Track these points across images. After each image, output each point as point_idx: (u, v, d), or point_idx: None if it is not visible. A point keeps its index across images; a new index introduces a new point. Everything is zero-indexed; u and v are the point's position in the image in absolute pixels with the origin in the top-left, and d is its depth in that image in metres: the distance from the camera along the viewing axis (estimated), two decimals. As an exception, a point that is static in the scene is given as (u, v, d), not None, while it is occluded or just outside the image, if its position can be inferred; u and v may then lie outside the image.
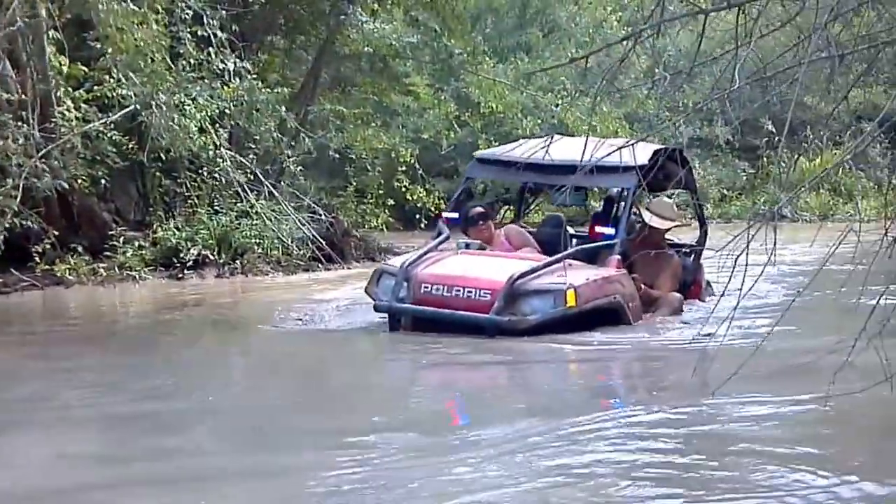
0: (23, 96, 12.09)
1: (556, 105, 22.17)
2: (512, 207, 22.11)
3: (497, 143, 17.67)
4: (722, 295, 6.16)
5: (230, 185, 14.34)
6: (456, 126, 22.16)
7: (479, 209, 10.53)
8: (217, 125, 14.03)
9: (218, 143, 13.73)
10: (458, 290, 9.06)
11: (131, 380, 7.52)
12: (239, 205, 14.55)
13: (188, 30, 13.04)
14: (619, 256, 9.54)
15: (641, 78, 19.62)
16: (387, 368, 8.70)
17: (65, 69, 12.54)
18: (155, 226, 14.49)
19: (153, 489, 4.84)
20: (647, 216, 10.17)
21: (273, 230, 14.41)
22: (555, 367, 8.49)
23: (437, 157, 22.34)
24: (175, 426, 6.09)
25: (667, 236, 10.66)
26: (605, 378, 8.19)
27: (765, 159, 27.61)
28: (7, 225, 11.64)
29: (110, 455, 5.53)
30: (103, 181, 13.56)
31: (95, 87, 12.91)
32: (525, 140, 11.80)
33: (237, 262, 14.30)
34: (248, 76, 14.06)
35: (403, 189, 19.16)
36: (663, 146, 10.00)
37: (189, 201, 14.83)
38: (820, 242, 6.10)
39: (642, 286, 9.71)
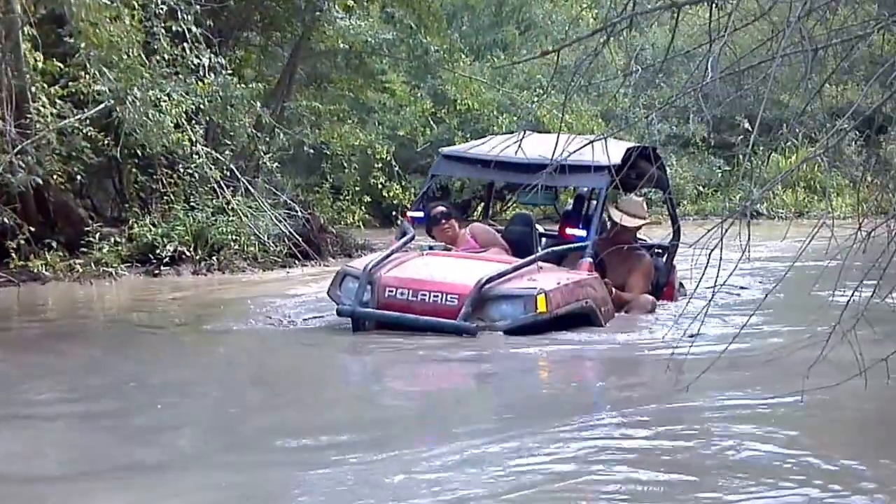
0: (-2, 93, 12.04)
1: (532, 102, 22.21)
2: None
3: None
4: (696, 289, 6.14)
5: (206, 181, 14.28)
6: (432, 123, 22.21)
7: (442, 208, 10.21)
8: (193, 121, 13.98)
9: (194, 140, 13.68)
10: (424, 295, 8.77)
11: (101, 377, 7.49)
12: (215, 201, 14.50)
13: (162, 25, 12.98)
14: (590, 259, 9.30)
15: (618, 75, 19.66)
16: (355, 368, 8.54)
17: (40, 65, 12.46)
18: (131, 222, 14.42)
19: (122, 486, 4.82)
20: (616, 215, 9.97)
21: (249, 226, 14.36)
22: (526, 367, 8.18)
23: (414, 154, 22.34)
24: (145, 424, 6.05)
25: (639, 236, 10.54)
26: (579, 378, 8.04)
27: (740, 157, 27.72)
28: (-19, 221, 11.60)
29: (79, 451, 5.51)
30: (79, 177, 13.50)
31: (71, 84, 12.84)
32: (493, 136, 11.70)
33: (214, 258, 14.25)
34: (223, 72, 14.01)
35: (380, 186, 19.17)
36: (636, 144, 9.92)
37: (165, 197, 14.77)
38: (795, 239, 6.12)
39: (613, 290, 9.53)
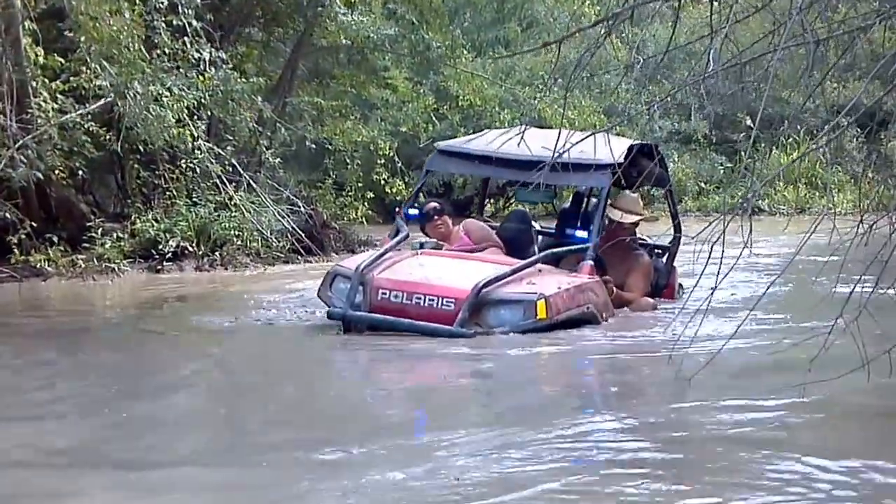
0: (-2, 87, 12.03)
1: (535, 98, 22.20)
2: (492, 201, 22.05)
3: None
4: (696, 283, 6.09)
5: (208, 176, 14.28)
6: (435, 119, 22.18)
7: (435, 204, 9.92)
8: (195, 116, 13.98)
9: (195, 135, 13.67)
10: (419, 298, 8.44)
11: (101, 375, 7.45)
12: (218, 197, 14.50)
13: (163, 19, 12.97)
14: (591, 262, 9.02)
15: (620, 70, 19.65)
16: (352, 366, 8.25)
17: (41, 60, 12.46)
18: (133, 217, 14.40)
19: (121, 482, 4.80)
20: (614, 213, 9.76)
21: (252, 222, 14.36)
22: (523, 364, 7.89)
23: (417, 151, 22.33)
24: (144, 423, 6.00)
25: (639, 236, 10.38)
26: (577, 375, 7.87)
27: (742, 153, 27.73)
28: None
29: (78, 448, 5.48)
30: (81, 173, 13.48)
31: (72, 79, 12.83)
32: (489, 130, 11.40)
33: (216, 253, 14.26)
34: (224, 66, 14.00)
35: (383, 182, 19.14)
36: (638, 141, 9.69)
37: (167, 193, 14.76)
38: (796, 235, 6.09)
39: (614, 289, 9.29)
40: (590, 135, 5.17)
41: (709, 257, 4.66)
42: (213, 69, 13.78)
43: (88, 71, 12.54)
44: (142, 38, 12.65)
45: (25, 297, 11.73)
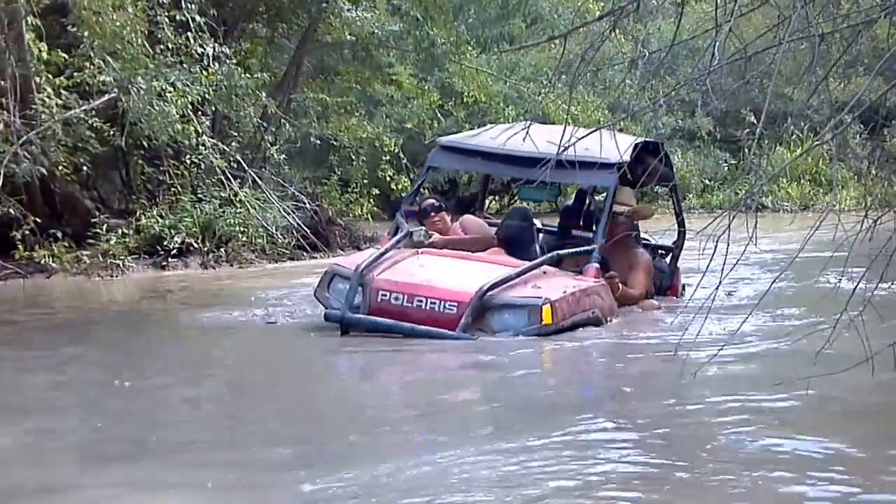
0: (1, 83, 12.03)
1: (539, 94, 22.20)
2: (497, 198, 21.99)
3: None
4: (700, 281, 6.05)
5: (213, 172, 14.29)
6: (440, 116, 22.18)
7: (432, 201, 9.71)
8: (199, 112, 13.99)
9: (200, 130, 13.68)
10: (421, 301, 8.16)
11: (104, 372, 7.47)
12: (222, 193, 14.51)
13: (166, 14, 12.98)
14: (597, 265, 8.77)
15: (624, 65, 19.67)
16: (352, 366, 8.11)
17: (44, 55, 12.47)
18: (138, 213, 14.42)
19: (122, 479, 4.80)
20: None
21: (257, 218, 14.39)
22: (526, 362, 7.71)
23: (422, 147, 22.30)
24: (145, 420, 6.01)
25: (643, 236, 10.26)
26: (581, 373, 7.77)
27: (746, 150, 27.75)
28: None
29: (79, 444, 5.51)
30: (85, 168, 13.48)
31: (75, 74, 12.84)
32: (492, 125, 11.20)
33: (221, 250, 14.28)
34: (228, 61, 13.99)
35: (388, 179, 19.14)
36: (642, 139, 9.51)
37: (172, 189, 14.78)
38: (799, 231, 6.09)
39: (620, 286, 9.09)
40: (594, 130, 5.12)
41: (713, 252, 4.64)
42: (216, 64, 13.78)
43: (92, 66, 12.55)
44: (145, 33, 12.67)
45: (30, 293, 11.75)
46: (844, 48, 4.52)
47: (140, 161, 15.27)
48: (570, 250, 9.02)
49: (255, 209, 14.42)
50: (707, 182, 28.25)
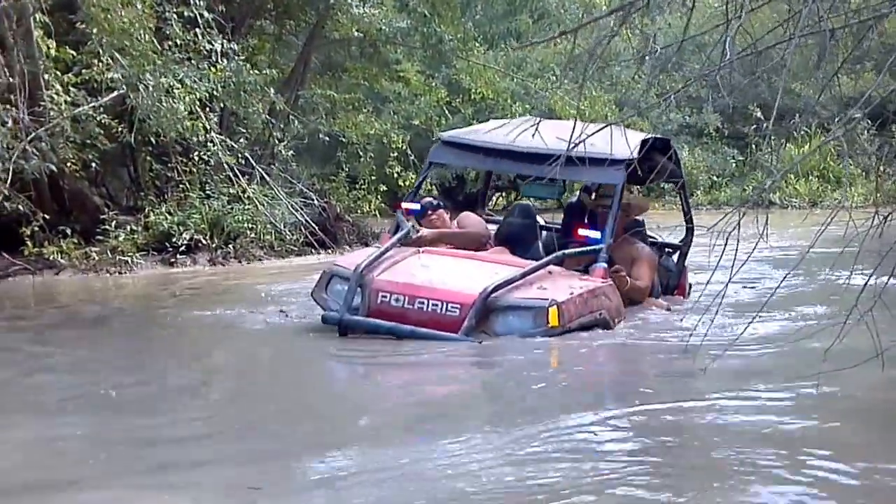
0: (10, 79, 12.05)
1: (546, 90, 22.18)
2: (504, 195, 21.93)
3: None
4: (712, 276, 6.04)
5: (221, 169, 14.30)
6: (447, 112, 22.18)
7: (430, 199, 9.62)
8: (207, 108, 13.99)
9: (208, 127, 13.68)
10: (422, 303, 7.91)
11: (115, 367, 7.49)
12: (231, 189, 14.52)
13: (174, 10, 12.98)
14: (604, 265, 8.53)
15: (632, 61, 19.65)
16: (352, 365, 7.93)
17: (52, 52, 12.48)
18: (147, 210, 14.42)
19: (124, 475, 4.83)
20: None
21: (265, 215, 14.38)
22: (533, 362, 7.55)
23: (429, 144, 22.23)
24: (152, 418, 6.01)
25: (650, 235, 10.11)
26: (589, 368, 7.66)
27: (754, 146, 27.70)
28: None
29: (92, 440, 5.52)
30: (94, 165, 13.48)
31: (84, 71, 12.84)
32: (497, 120, 11.01)
33: (230, 246, 14.29)
34: (236, 58, 13.99)
35: (395, 175, 19.14)
36: (651, 136, 9.39)
37: (181, 185, 14.79)
38: (807, 228, 6.07)
39: (628, 280, 8.89)
40: (603, 127, 5.09)
41: (724, 249, 4.64)
42: (224, 61, 13.78)
43: (100, 63, 12.54)
44: (153, 29, 12.67)
45: (39, 289, 11.78)
46: (854, 44, 4.51)
47: (148, 158, 15.28)
48: (577, 250, 8.78)
49: (263, 206, 14.42)
50: (715, 178, 28.22)
